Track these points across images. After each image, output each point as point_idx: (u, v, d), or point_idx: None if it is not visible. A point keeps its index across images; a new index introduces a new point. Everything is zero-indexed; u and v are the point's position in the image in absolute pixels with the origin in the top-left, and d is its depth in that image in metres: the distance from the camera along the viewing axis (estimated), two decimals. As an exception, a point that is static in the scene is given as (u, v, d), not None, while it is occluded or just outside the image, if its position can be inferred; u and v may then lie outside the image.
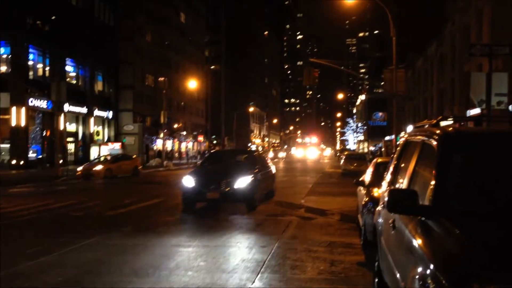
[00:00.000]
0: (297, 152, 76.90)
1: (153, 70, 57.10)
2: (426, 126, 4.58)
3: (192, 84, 56.96)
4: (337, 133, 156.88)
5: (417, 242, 3.07)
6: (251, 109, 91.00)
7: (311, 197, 16.13)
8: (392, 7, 30.91)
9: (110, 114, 46.69)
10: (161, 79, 48.23)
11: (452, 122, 5.29)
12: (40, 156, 35.60)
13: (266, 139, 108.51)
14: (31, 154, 34.90)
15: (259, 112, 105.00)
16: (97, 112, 43.57)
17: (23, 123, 33.18)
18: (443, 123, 4.44)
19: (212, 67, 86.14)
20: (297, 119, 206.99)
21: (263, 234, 9.53)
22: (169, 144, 57.92)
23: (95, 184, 23.63)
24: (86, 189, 20.33)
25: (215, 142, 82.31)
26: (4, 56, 34.40)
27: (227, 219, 11.44)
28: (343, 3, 30.64)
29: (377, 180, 7.92)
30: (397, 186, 4.64)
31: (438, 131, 3.76)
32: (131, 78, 51.40)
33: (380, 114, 67.83)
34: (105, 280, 6.25)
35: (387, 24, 24.93)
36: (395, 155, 5.40)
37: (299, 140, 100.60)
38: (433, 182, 3.26)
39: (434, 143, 3.61)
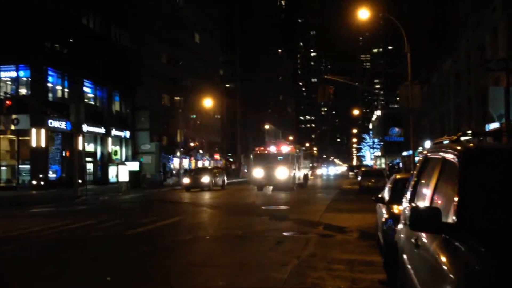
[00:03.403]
0: (256, 173, 32.84)
1: (169, 90, 57.73)
2: (446, 142, 4.56)
3: (208, 103, 57.42)
4: (353, 149, 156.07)
5: (441, 260, 3.05)
6: (267, 127, 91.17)
7: (329, 214, 16.04)
8: (406, 23, 30.96)
9: (127, 133, 47.20)
10: (177, 98, 48.93)
11: (470, 137, 5.25)
12: (60, 176, 36.02)
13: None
14: (51, 175, 35.34)
15: (275, 130, 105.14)
16: (114, 132, 44.08)
17: (43, 144, 33.69)
18: (462, 139, 4.42)
19: (227, 85, 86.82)
20: (313, 136, 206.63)
21: (282, 252, 9.49)
22: (185, 163, 58.18)
23: (115, 203, 23.76)
24: (106, 209, 20.47)
25: (231, 159, 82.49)
26: (24, 79, 35.15)
27: (243, 238, 11.41)
28: (356, 19, 30.81)
29: (396, 196, 7.85)
30: (418, 203, 4.61)
31: (459, 147, 3.74)
32: (148, 98, 52.01)
33: (397, 129, 67.44)
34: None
35: (401, 40, 24.94)
36: (415, 172, 5.37)
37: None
38: (456, 199, 3.24)
39: (456, 159, 3.59)
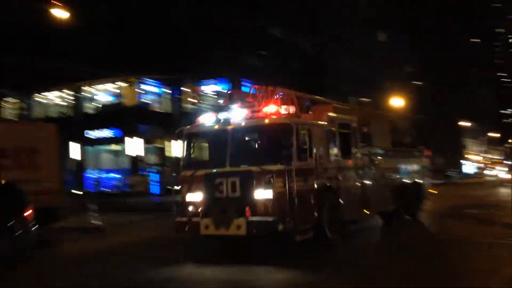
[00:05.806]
0: (190, 197, 9.12)
1: (356, 91, 57.48)
2: None
3: (396, 102, 55.47)
4: None
5: None
6: (463, 124, 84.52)
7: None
8: None
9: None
10: (364, 100, 48.42)
11: None
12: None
13: (484, 155, 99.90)
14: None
15: (474, 126, 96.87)
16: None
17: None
18: None
19: (416, 83, 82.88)
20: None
21: (493, 258, 8.56)
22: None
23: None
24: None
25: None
26: (224, 91, 39.36)
27: (446, 242, 10.66)
28: None
29: None
30: None
31: None
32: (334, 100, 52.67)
33: None
34: None
35: None
36: None
37: None
38: None
39: None
